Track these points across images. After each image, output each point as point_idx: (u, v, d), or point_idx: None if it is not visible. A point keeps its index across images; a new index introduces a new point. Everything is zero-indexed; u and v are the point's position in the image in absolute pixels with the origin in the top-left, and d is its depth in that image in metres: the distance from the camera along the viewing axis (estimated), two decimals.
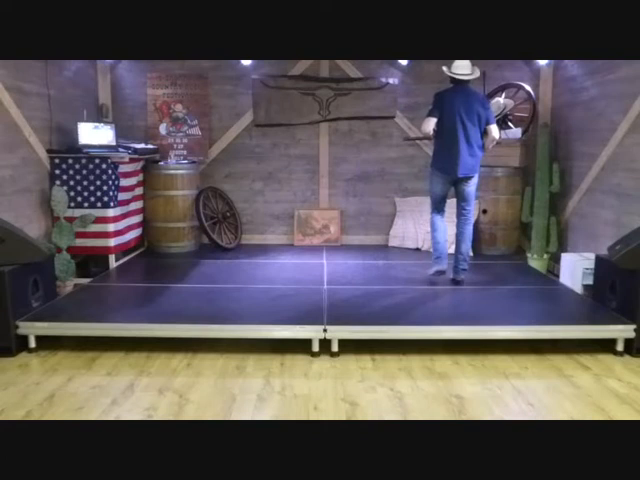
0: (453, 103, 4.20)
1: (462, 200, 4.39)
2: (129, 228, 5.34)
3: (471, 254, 5.48)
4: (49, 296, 3.82)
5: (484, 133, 4.29)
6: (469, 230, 4.46)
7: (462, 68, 4.19)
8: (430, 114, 4.24)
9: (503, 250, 5.64)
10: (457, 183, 4.33)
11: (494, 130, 4.26)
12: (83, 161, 4.81)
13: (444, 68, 4.26)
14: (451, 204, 4.59)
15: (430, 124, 4.22)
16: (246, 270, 4.94)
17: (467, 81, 4.24)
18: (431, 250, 5.60)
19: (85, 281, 4.58)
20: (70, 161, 4.80)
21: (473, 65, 4.23)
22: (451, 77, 4.24)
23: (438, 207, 4.45)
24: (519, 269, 5.08)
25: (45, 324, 3.45)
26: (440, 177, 4.33)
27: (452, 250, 4.60)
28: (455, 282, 4.42)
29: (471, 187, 4.34)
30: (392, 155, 6.09)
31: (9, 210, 4.08)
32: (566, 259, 4.48)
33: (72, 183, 4.81)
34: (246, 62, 5.85)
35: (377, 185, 6.16)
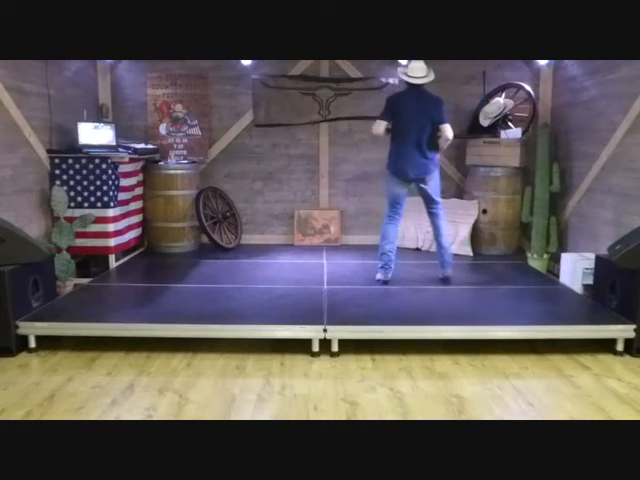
0: (406, 106, 4.26)
1: (426, 200, 4.45)
2: (129, 228, 5.34)
3: (471, 254, 5.50)
4: (49, 296, 3.81)
5: (438, 133, 4.30)
6: (444, 224, 4.49)
7: (417, 70, 4.22)
8: (380, 117, 4.33)
9: (503, 250, 5.64)
10: (415, 185, 4.39)
11: (447, 129, 4.26)
12: (83, 161, 4.81)
13: (399, 70, 4.31)
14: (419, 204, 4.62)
15: (380, 127, 4.30)
16: (246, 270, 4.94)
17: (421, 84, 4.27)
18: (431, 250, 5.68)
19: (85, 281, 4.58)
20: (70, 161, 4.80)
21: (429, 67, 4.25)
22: (405, 80, 4.28)
23: (393, 210, 4.44)
24: (519, 269, 5.07)
25: (45, 324, 3.45)
26: (394, 179, 4.38)
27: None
28: (443, 279, 4.44)
29: (430, 187, 4.38)
30: None
31: (9, 210, 4.07)
32: (566, 259, 4.48)
33: (72, 183, 4.81)
34: (246, 62, 5.85)
35: (377, 185, 6.13)
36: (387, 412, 2.71)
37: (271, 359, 3.34)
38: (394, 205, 4.44)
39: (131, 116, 6.01)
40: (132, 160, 5.20)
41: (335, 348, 3.38)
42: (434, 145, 4.33)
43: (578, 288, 4.21)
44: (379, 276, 4.45)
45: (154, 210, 5.66)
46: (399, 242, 5.89)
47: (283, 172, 6.16)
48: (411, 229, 5.88)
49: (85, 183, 4.83)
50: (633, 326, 3.38)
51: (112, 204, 4.89)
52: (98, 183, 4.83)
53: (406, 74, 4.24)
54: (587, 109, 4.92)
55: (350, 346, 3.43)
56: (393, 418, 2.65)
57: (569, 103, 5.31)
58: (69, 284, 4.54)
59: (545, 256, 5.24)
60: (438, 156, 4.45)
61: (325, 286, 4.33)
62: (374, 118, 5.92)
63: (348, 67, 5.93)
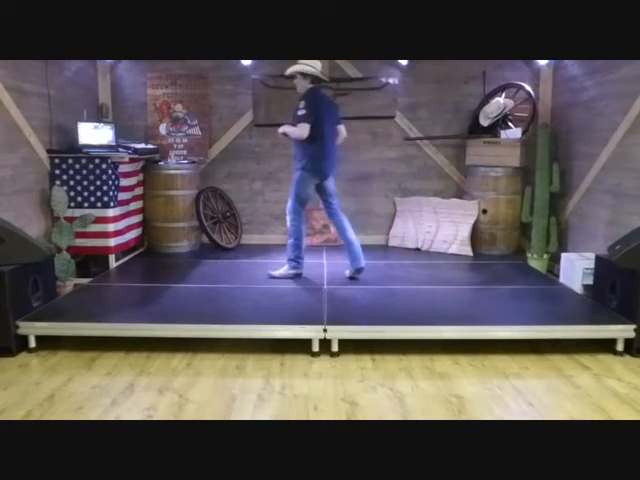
0: (326, 105, 4.41)
1: (329, 196, 4.55)
2: (129, 228, 5.34)
3: (471, 254, 5.50)
4: (49, 296, 3.82)
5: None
6: (345, 218, 4.59)
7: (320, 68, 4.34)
8: (307, 120, 4.19)
9: (503, 250, 5.64)
10: (323, 183, 4.49)
11: (344, 130, 4.53)
12: (83, 161, 4.81)
13: (303, 68, 4.25)
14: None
15: (307, 131, 4.21)
16: (246, 270, 4.94)
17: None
18: (431, 250, 5.68)
19: (85, 281, 4.58)
20: (70, 161, 4.80)
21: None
22: (317, 77, 4.34)
23: (301, 210, 4.52)
24: (519, 269, 5.07)
25: (45, 324, 3.45)
26: (313, 180, 4.44)
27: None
28: (353, 277, 4.50)
29: (332, 183, 4.55)
30: (392, 155, 6.08)
31: (9, 210, 4.08)
32: (566, 259, 4.48)
33: (72, 183, 4.81)
34: (246, 62, 5.85)
35: (377, 185, 6.15)
36: (387, 412, 2.71)
37: (271, 359, 3.34)
38: (302, 208, 4.52)
39: (131, 116, 6.01)
40: (132, 160, 5.20)
41: (335, 348, 3.38)
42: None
43: (578, 288, 4.21)
44: (293, 271, 4.56)
45: (154, 210, 5.66)
46: (400, 242, 5.95)
47: (283, 172, 6.15)
48: (411, 229, 5.89)
49: (85, 183, 4.83)
50: (633, 326, 3.38)
51: (112, 204, 4.89)
52: (98, 183, 4.83)
53: (314, 72, 4.28)
54: (587, 109, 4.92)
55: (350, 346, 3.43)
56: (393, 418, 2.65)
57: (569, 103, 5.31)
58: (69, 284, 4.54)
59: (545, 256, 5.24)
60: None
61: (325, 286, 4.33)
62: (375, 118, 6.02)
63: (348, 67, 5.92)
